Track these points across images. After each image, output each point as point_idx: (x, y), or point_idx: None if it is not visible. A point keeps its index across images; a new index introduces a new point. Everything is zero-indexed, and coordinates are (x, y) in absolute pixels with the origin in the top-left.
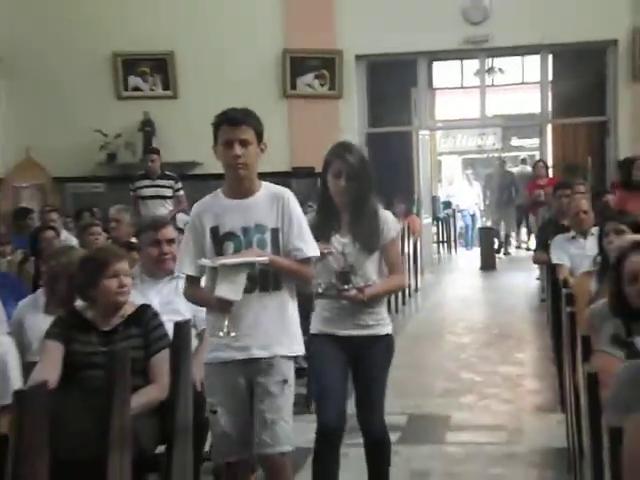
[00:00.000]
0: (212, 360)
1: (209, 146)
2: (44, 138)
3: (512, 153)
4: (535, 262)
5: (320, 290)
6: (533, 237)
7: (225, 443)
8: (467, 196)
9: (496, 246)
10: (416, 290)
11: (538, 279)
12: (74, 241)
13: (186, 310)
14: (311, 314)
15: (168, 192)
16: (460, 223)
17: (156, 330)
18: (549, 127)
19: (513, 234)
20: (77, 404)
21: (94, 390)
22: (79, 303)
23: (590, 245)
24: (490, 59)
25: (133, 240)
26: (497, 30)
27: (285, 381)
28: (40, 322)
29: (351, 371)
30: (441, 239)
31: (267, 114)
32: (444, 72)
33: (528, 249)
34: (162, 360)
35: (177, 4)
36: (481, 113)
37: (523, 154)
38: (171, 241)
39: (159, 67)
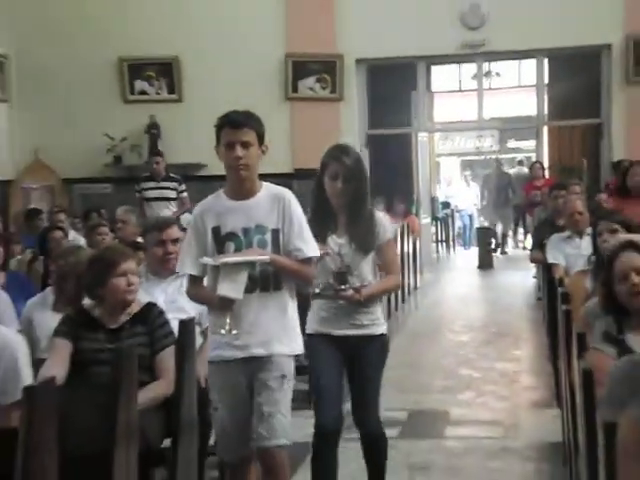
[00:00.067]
0: (214, 358)
1: (213, 148)
2: (53, 141)
3: (509, 155)
4: (531, 261)
5: (317, 290)
6: (529, 237)
7: (225, 441)
8: (465, 197)
9: (493, 245)
10: (415, 288)
11: (534, 278)
12: (82, 241)
13: (191, 308)
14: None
15: (172, 194)
16: (458, 223)
17: (161, 328)
18: (545, 129)
19: (510, 234)
20: (84, 400)
21: (101, 386)
22: (87, 301)
23: (585, 245)
24: (487, 63)
25: (139, 240)
26: (494, 35)
27: (284, 376)
28: (49, 320)
29: (346, 371)
30: (440, 239)
31: (270, 117)
32: (442, 76)
33: (525, 248)
34: (168, 357)
35: (182, 10)
36: (479, 116)
37: (520, 156)
38: (176, 241)
39: (164, 71)
